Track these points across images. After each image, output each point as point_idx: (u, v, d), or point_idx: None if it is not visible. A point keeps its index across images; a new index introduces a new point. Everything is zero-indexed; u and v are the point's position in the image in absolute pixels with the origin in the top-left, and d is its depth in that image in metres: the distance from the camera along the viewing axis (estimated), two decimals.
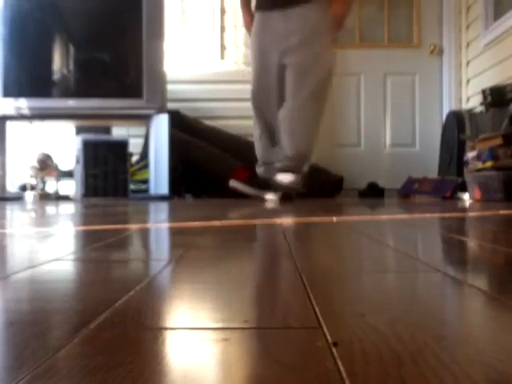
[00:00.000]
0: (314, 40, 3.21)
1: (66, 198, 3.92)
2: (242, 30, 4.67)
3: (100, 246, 1.02)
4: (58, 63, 3.87)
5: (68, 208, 2.76)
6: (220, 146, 4.19)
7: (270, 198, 3.24)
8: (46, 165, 3.98)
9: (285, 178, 3.20)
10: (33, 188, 3.95)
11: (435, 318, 0.47)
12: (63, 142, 4.46)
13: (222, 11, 4.68)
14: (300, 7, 3.20)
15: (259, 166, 3.48)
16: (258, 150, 3.45)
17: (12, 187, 4.15)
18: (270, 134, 3.38)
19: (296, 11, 3.21)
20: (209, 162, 4.12)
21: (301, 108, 3.21)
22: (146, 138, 4.13)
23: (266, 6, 3.31)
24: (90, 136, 3.85)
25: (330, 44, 3.31)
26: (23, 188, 4.05)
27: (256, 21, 3.38)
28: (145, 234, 1.37)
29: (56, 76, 3.86)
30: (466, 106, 4.48)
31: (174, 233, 1.38)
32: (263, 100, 3.35)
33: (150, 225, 1.69)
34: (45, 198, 3.92)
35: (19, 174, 4.20)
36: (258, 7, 3.39)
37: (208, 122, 4.50)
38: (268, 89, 3.32)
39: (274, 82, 3.29)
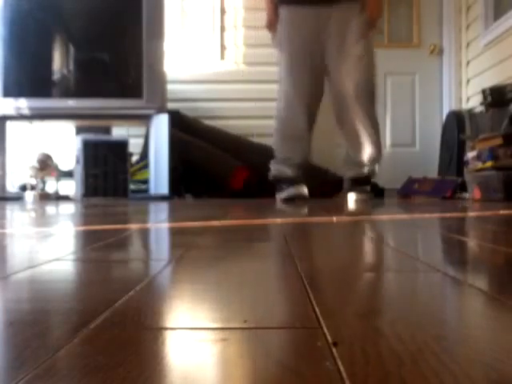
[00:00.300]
0: (358, 40, 3.15)
1: (66, 198, 3.92)
2: (242, 30, 4.68)
3: (100, 245, 1.02)
4: (58, 63, 3.87)
5: (68, 208, 2.76)
6: (220, 146, 4.19)
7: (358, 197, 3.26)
8: (46, 165, 3.98)
9: (354, 196, 3.26)
10: (33, 188, 3.95)
11: (435, 318, 0.47)
12: (63, 142, 4.46)
13: (222, 11, 4.68)
14: (342, 5, 3.11)
15: (283, 165, 3.32)
16: (296, 150, 3.28)
17: (12, 187, 4.15)
18: (311, 133, 3.31)
19: (339, 9, 3.11)
20: (209, 162, 4.12)
21: (363, 113, 3.17)
22: (146, 138, 4.14)
23: (302, 1, 3.15)
24: (90, 136, 3.85)
25: (371, 43, 3.25)
26: (23, 188, 4.05)
27: (290, 15, 3.18)
28: (145, 234, 1.37)
29: (56, 76, 3.86)
30: (466, 106, 4.48)
31: (174, 233, 1.38)
32: (313, 95, 3.23)
33: (150, 225, 1.69)
34: (45, 198, 3.92)
35: (19, 173, 4.20)
36: (289, 1, 3.19)
37: (208, 122, 4.50)
38: (315, 84, 3.22)
39: (320, 77, 3.22)
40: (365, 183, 3.33)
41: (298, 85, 3.19)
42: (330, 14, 3.13)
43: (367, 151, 3.22)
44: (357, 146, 3.23)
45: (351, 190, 3.31)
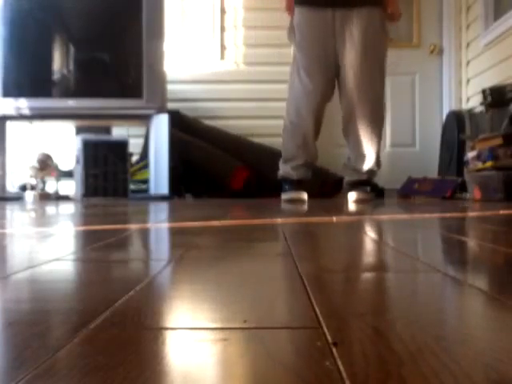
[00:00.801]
0: (375, 46, 3.12)
1: (66, 198, 3.92)
2: (242, 30, 4.68)
3: (100, 245, 1.02)
4: (58, 63, 3.87)
5: (68, 208, 2.76)
6: (220, 146, 4.19)
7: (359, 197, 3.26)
8: (46, 165, 3.98)
9: (355, 195, 3.27)
10: (33, 188, 3.95)
11: (435, 318, 0.47)
12: (63, 142, 4.46)
13: (222, 11, 4.68)
14: (363, 10, 3.07)
15: (289, 167, 3.32)
16: (303, 150, 3.27)
17: (12, 187, 4.15)
18: (317, 133, 3.30)
19: (359, 13, 3.06)
20: (209, 162, 4.12)
21: (370, 128, 3.18)
22: (146, 138, 4.13)
23: (319, 2, 3.08)
24: (90, 136, 3.85)
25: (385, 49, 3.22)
26: (23, 188, 4.05)
27: (306, 17, 3.12)
28: (145, 234, 1.37)
29: (56, 76, 3.86)
30: (466, 105, 4.48)
31: (174, 233, 1.38)
32: (322, 99, 3.21)
33: (150, 225, 1.69)
34: (45, 197, 3.92)
35: (19, 173, 4.20)
36: (305, 2, 3.12)
37: (208, 122, 4.50)
38: (326, 87, 3.19)
39: (332, 81, 3.19)
40: (365, 184, 3.35)
41: (309, 87, 3.17)
42: (349, 18, 3.08)
43: (368, 163, 3.26)
44: (359, 156, 3.26)
45: (351, 189, 3.32)
